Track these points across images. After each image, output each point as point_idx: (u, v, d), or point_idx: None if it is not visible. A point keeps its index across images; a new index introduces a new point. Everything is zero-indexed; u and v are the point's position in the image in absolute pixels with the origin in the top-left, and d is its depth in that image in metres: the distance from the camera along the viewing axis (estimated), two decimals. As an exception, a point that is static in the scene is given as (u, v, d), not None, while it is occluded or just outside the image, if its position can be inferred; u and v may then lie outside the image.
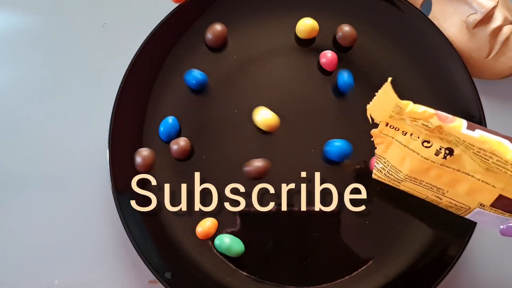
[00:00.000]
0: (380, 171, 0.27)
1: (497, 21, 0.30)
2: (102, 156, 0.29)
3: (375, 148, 0.26)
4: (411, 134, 0.24)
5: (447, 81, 0.31)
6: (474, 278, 0.31)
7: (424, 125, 0.23)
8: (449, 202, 0.26)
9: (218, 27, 0.30)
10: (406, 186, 0.26)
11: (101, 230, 0.31)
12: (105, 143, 0.29)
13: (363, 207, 0.29)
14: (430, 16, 0.33)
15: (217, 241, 0.28)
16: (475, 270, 0.31)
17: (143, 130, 0.30)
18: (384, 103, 0.23)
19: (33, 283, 0.30)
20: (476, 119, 0.30)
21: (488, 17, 0.30)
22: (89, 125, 0.32)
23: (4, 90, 0.33)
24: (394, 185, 0.27)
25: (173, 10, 0.31)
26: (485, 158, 0.22)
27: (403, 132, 0.24)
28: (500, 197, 0.24)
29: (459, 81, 0.31)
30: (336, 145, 0.29)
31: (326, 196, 0.29)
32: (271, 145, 0.30)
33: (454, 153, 0.23)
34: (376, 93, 0.23)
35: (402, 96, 0.31)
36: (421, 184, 0.25)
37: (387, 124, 0.24)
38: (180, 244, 0.29)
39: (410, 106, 0.23)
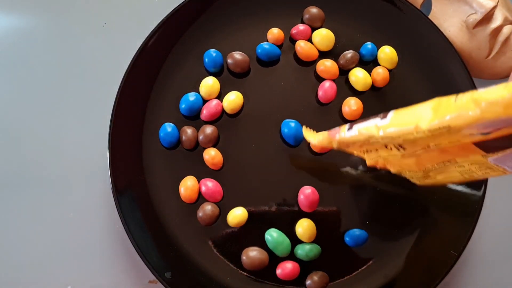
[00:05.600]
0: (412, 178, 0.25)
1: (497, 21, 0.30)
2: (102, 156, 0.29)
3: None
4: (375, 150, 0.23)
5: (447, 81, 0.31)
6: (474, 278, 0.31)
7: (334, 147, 0.24)
8: (472, 165, 0.22)
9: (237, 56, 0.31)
10: (437, 176, 0.24)
11: (101, 230, 0.31)
12: (105, 143, 0.29)
13: (363, 207, 0.29)
14: (430, 16, 0.33)
15: (267, 235, 0.28)
16: (475, 270, 0.31)
17: (143, 130, 0.30)
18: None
19: (32, 283, 0.30)
20: (476, 119, 0.30)
21: (488, 17, 0.30)
22: (89, 125, 0.32)
23: (4, 90, 0.33)
24: (432, 182, 0.25)
25: (173, 10, 0.31)
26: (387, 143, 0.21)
27: (367, 151, 0.24)
28: (475, 144, 0.20)
29: (459, 81, 0.31)
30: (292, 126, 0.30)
31: (326, 196, 0.29)
32: (270, 146, 0.30)
33: (402, 146, 0.22)
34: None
35: (402, 97, 0.31)
36: (439, 164, 0.23)
37: (364, 152, 0.24)
38: (180, 244, 0.29)
39: (316, 139, 0.25)
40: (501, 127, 0.17)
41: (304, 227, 0.28)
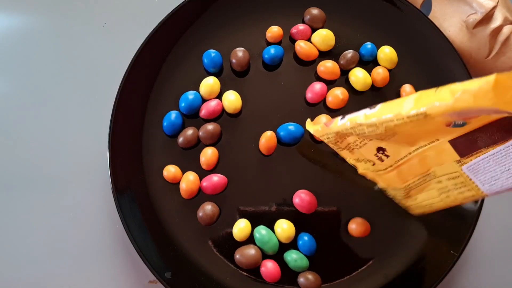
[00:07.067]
0: (396, 198, 0.27)
1: (497, 21, 0.30)
2: (102, 156, 0.29)
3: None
4: (365, 161, 0.26)
5: (447, 81, 0.31)
6: (474, 278, 0.31)
7: (329, 141, 0.26)
8: (449, 180, 0.24)
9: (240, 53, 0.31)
10: (418, 197, 0.26)
11: (101, 230, 0.31)
12: (105, 143, 0.29)
13: (363, 207, 0.29)
14: (430, 16, 0.33)
15: (256, 233, 0.28)
16: (475, 270, 0.31)
17: (143, 130, 0.30)
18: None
19: (31, 282, 0.30)
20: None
21: (488, 17, 0.30)
22: (89, 125, 0.32)
23: (4, 90, 0.33)
24: (413, 204, 0.27)
25: (173, 10, 0.31)
26: (376, 126, 0.22)
27: (358, 160, 0.26)
28: (454, 140, 0.22)
29: (459, 81, 0.30)
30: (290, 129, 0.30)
31: (326, 196, 0.29)
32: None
33: (385, 150, 0.24)
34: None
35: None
36: (419, 178, 0.25)
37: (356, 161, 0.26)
38: (180, 244, 0.29)
39: (313, 130, 0.26)
40: (473, 116, 0.19)
41: (283, 229, 0.28)
